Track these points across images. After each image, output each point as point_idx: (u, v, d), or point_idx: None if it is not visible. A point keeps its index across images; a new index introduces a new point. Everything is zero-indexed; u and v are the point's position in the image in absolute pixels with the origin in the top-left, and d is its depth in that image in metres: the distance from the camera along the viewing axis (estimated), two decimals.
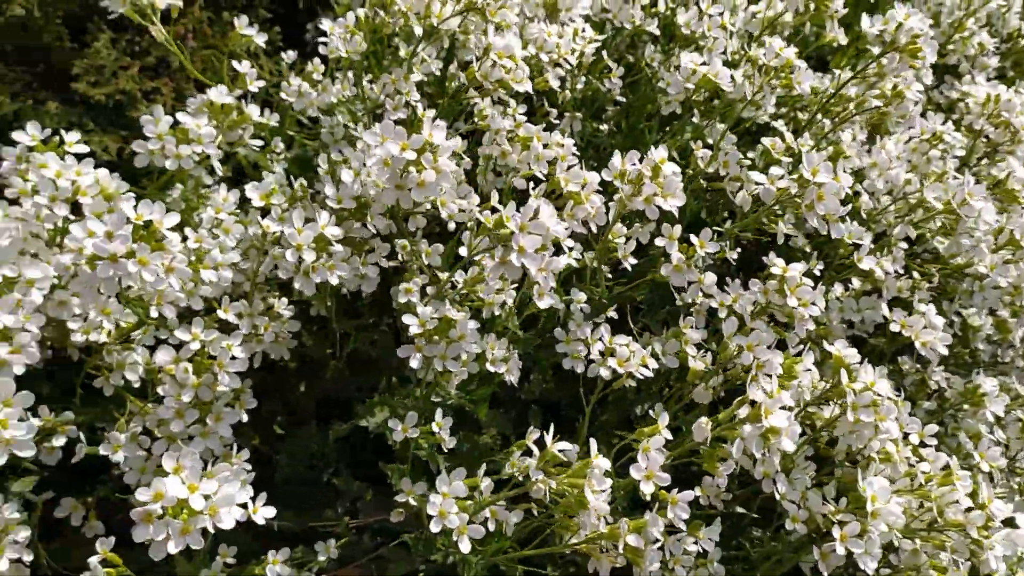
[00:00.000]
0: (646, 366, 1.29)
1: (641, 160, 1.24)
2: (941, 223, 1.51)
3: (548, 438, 1.15)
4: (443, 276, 1.28)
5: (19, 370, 1.12)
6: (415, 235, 1.38)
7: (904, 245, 1.60)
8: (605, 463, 1.11)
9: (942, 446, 1.61)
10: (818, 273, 1.60)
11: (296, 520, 1.54)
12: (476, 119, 1.44)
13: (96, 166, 1.32)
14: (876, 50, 1.48)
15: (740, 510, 1.43)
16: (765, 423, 1.11)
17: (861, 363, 1.33)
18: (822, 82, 1.77)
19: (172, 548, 0.96)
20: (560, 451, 1.14)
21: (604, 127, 1.86)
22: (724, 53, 1.59)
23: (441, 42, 1.56)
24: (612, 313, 1.56)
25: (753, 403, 1.14)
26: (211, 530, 0.99)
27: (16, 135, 1.32)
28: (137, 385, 1.29)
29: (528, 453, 1.20)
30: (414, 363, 1.20)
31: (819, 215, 1.23)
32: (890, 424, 1.25)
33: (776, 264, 1.33)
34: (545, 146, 1.37)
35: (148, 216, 1.11)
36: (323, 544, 1.38)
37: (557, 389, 1.61)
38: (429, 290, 1.29)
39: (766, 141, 1.43)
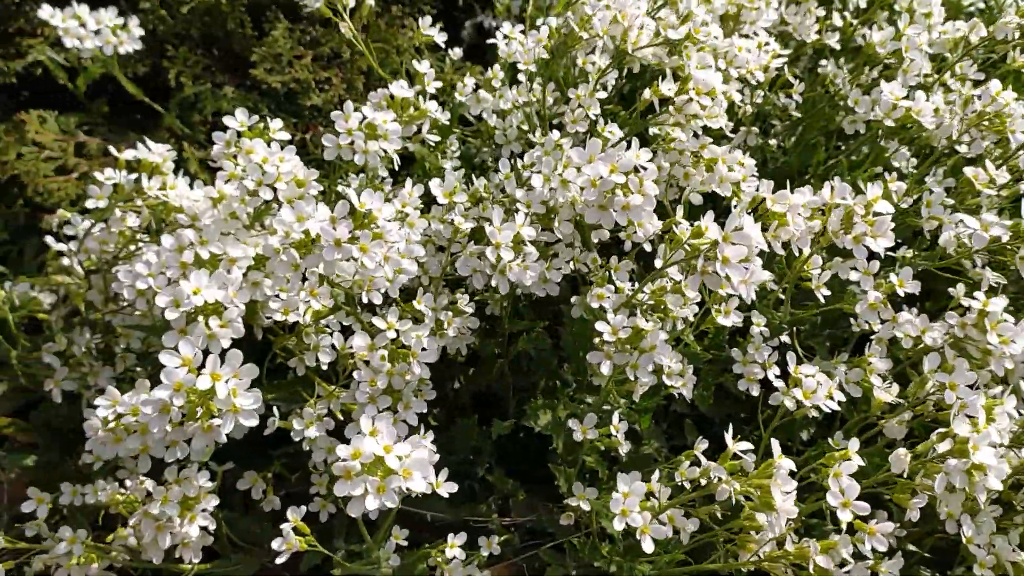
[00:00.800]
0: (832, 398, 1.25)
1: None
2: None
3: (728, 441, 1.14)
4: (625, 286, 1.28)
5: (226, 343, 1.16)
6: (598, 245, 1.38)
7: None
8: (789, 463, 1.09)
9: None
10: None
11: (449, 511, 1.57)
12: (661, 140, 1.43)
13: None
14: None
15: (912, 548, 1.39)
16: (973, 459, 1.08)
17: None
18: None
19: (371, 504, 0.99)
20: (741, 451, 1.13)
21: (773, 142, 1.83)
22: (918, 75, 1.54)
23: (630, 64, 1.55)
24: (785, 337, 1.54)
25: (955, 438, 1.10)
26: (404, 491, 1.02)
27: (226, 120, 1.37)
28: (325, 368, 1.33)
29: (696, 463, 1.19)
30: (604, 369, 1.20)
31: None
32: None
33: (975, 298, 1.28)
34: (730, 168, 1.36)
35: (370, 206, 1.14)
36: (485, 539, 1.39)
37: (715, 406, 1.59)
38: (615, 299, 1.29)
39: (968, 171, 1.38)
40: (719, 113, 1.31)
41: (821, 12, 1.78)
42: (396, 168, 1.57)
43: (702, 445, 1.23)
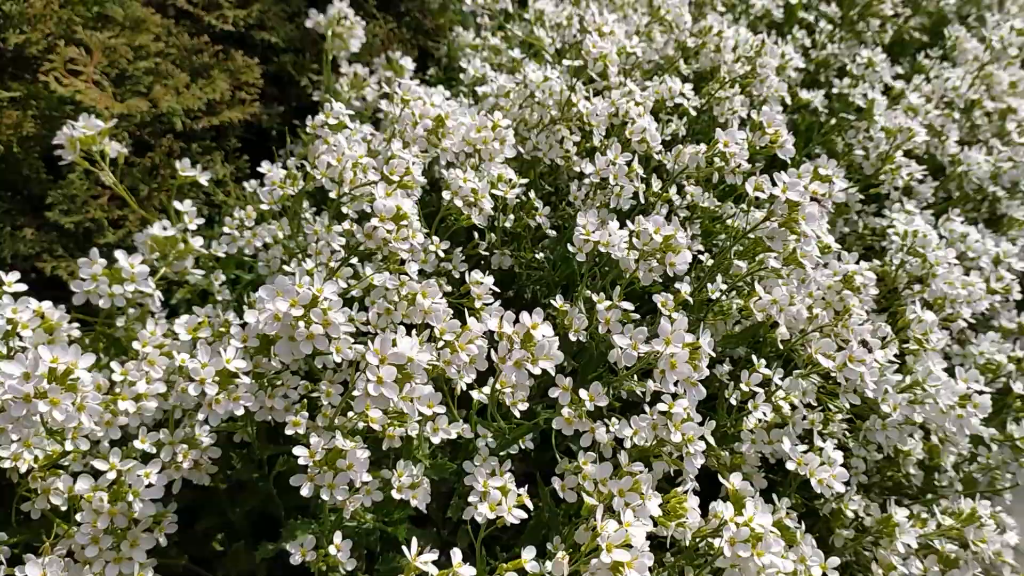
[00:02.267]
0: (523, 506, 1.33)
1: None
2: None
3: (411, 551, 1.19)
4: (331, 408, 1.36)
5: None
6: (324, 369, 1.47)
7: (816, 379, 1.66)
8: (469, 571, 1.16)
9: (869, 574, 1.64)
10: (734, 403, 1.67)
11: None
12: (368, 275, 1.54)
13: (62, 290, 1.45)
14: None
15: None
16: (608, 558, 1.14)
17: (756, 495, 1.38)
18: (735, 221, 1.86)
19: None
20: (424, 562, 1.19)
21: (541, 255, 1.95)
22: (635, 197, 1.69)
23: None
24: (528, 443, 1.63)
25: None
26: None
27: None
28: (64, 509, 1.37)
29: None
30: (305, 491, 1.27)
31: (675, 379, 1.29)
32: (772, 558, 1.28)
33: (664, 400, 1.39)
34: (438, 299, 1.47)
35: (64, 359, 1.21)
36: None
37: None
38: (321, 421, 1.37)
39: (658, 299, 1.51)
40: (405, 236, 1.40)
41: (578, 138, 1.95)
42: (158, 302, 1.65)
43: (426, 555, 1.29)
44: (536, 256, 1.93)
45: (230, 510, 1.72)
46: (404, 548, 1.22)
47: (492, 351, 1.30)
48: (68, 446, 1.31)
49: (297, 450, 1.29)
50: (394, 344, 1.17)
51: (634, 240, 1.48)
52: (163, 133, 2.14)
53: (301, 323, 1.20)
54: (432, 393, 1.30)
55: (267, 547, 1.58)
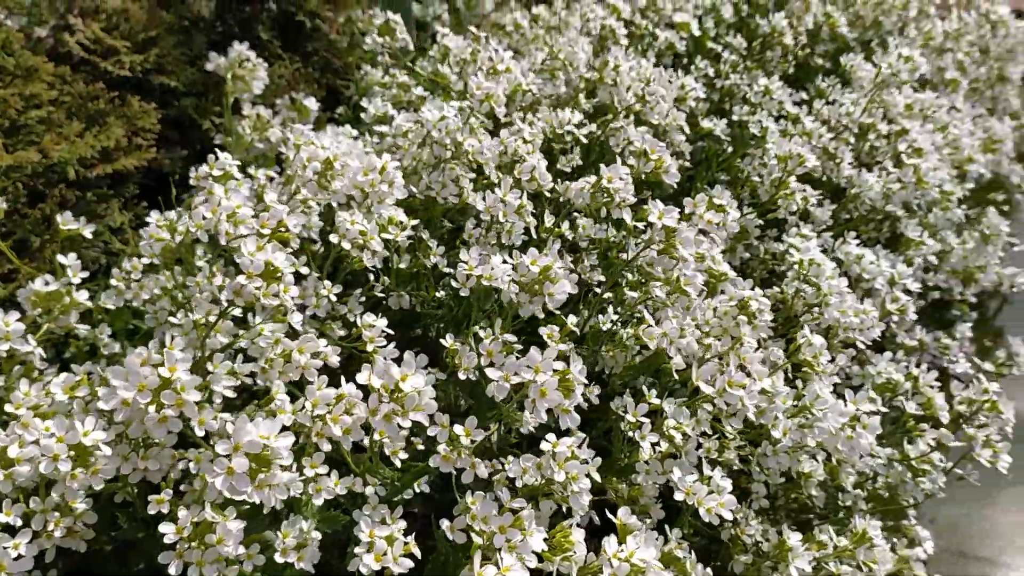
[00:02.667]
0: (410, 555, 1.31)
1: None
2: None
3: None
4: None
5: None
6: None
7: (709, 407, 1.67)
8: None
9: None
10: (632, 435, 1.67)
11: None
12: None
13: None
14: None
15: None
16: None
17: (646, 527, 1.39)
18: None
19: None
20: None
21: (441, 293, 1.95)
22: (526, 232, 1.70)
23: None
24: (424, 487, 1.61)
25: None
26: None
27: None
28: None
29: None
30: (172, 570, 1.23)
31: (546, 407, 1.29)
32: None
33: (548, 440, 1.39)
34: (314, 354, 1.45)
35: None
36: None
37: None
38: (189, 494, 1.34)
39: (544, 331, 1.52)
40: (276, 292, 1.38)
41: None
42: (39, 359, 1.60)
43: None
44: (437, 295, 1.92)
45: (119, 571, 1.66)
46: None
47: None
48: None
49: (163, 527, 1.24)
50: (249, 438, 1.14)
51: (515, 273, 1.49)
52: (56, 183, 2.10)
53: (151, 408, 1.17)
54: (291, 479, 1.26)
55: None
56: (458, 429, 1.36)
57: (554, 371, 1.28)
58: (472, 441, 1.36)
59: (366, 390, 1.28)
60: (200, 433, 1.23)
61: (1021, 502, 2.46)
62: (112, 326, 1.84)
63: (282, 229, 1.44)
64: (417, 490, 1.57)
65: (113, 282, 1.74)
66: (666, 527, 1.58)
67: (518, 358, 1.42)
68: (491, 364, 1.46)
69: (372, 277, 1.82)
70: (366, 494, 1.49)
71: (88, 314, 1.75)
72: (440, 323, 1.99)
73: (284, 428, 1.20)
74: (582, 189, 1.64)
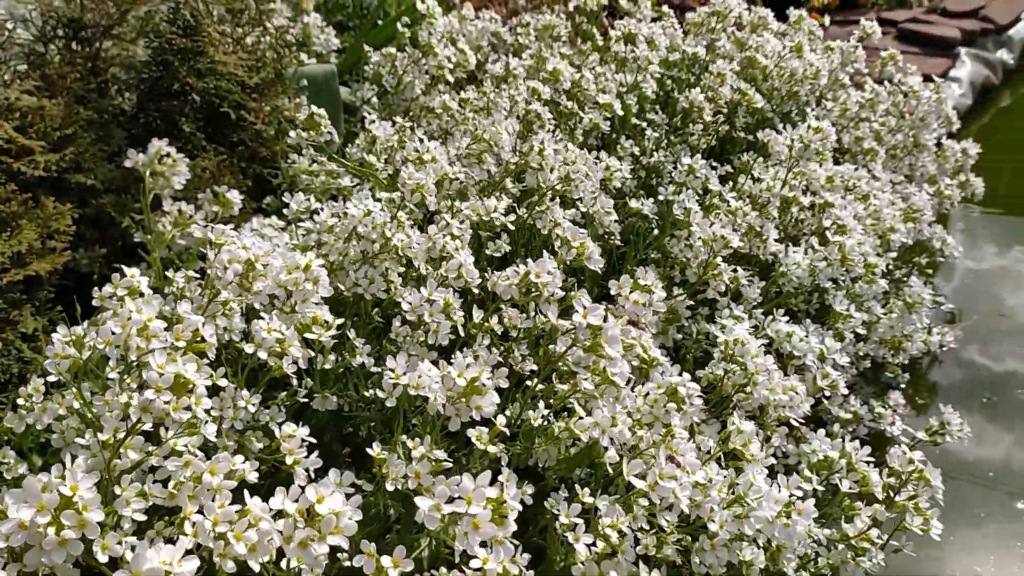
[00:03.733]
0: None
1: None
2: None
3: None
4: None
5: None
6: None
7: (644, 501, 1.64)
8: None
9: None
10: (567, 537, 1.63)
11: None
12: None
13: None
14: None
15: None
16: None
17: None
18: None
19: None
20: None
21: (369, 392, 1.90)
22: (453, 331, 1.68)
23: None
24: None
25: None
26: None
27: None
28: None
29: None
30: None
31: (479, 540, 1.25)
32: None
33: (477, 556, 1.34)
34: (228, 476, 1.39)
35: None
36: None
37: None
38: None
39: (472, 433, 1.48)
40: (198, 400, 1.32)
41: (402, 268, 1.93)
42: None
43: None
44: (365, 394, 1.87)
45: None
46: None
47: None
48: None
49: None
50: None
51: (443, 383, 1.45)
52: None
53: (51, 530, 1.10)
54: None
55: None
56: (386, 561, 1.30)
57: (488, 499, 1.24)
58: (402, 573, 1.30)
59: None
60: (103, 559, 1.15)
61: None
62: (20, 444, 1.75)
63: (198, 339, 1.39)
64: None
65: (20, 401, 1.66)
66: None
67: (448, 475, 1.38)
68: (418, 490, 1.42)
69: (296, 380, 1.77)
70: None
71: None
72: (370, 423, 1.94)
73: (188, 552, 1.13)
74: (510, 285, 1.62)
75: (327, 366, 1.78)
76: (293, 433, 1.55)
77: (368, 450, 1.70)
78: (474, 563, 1.35)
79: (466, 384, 1.41)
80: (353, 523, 1.23)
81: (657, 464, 1.46)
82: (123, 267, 1.65)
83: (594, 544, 1.55)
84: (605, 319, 1.49)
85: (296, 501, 1.19)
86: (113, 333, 1.43)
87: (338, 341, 1.81)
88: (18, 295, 2.11)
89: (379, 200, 2.12)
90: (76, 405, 1.61)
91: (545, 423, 1.68)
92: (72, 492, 1.12)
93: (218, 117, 2.67)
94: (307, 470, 1.55)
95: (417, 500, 1.28)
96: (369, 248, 1.92)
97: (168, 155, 2.30)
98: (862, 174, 2.78)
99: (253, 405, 1.62)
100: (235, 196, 2.36)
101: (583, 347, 1.49)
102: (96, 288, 1.92)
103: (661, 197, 2.48)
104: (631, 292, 1.67)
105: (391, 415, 1.91)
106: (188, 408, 1.31)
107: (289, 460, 1.53)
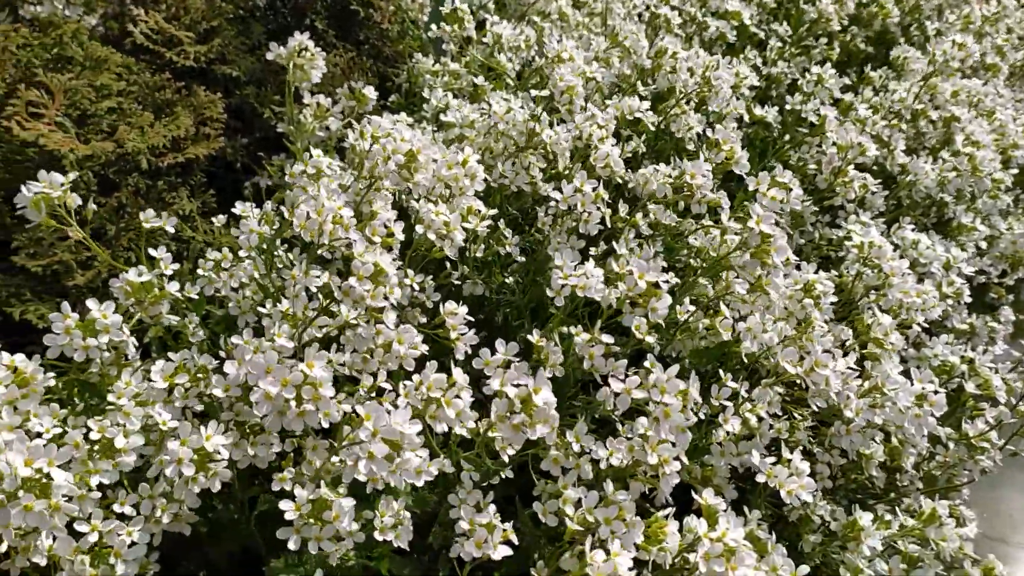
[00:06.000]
0: (508, 542, 1.37)
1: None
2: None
3: None
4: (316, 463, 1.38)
5: None
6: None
7: (781, 389, 1.72)
8: None
9: None
10: (703, 416, 1.73)
11: None
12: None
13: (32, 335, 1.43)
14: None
15: None
16: None
17: (728, 508, 1.44)
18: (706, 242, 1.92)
19: None
20: None
21: (511, 279, 2.00)
22: (602, 222, 1.74)
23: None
24: (508, 472, 1.66)
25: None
26: None
27: None
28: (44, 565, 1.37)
29: None
30: (292, 545, 1.29)
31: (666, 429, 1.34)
32: (746, 571, 1.33)
33: (640, 423, 1.44)
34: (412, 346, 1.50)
35: (37, 464, 1.19)
36: None
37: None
38: (307, 469, 1.39)
39: (631, 321, 1.55)
40: (391, 289, 1.43)
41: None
42: (132, 350, 1.65)
43: None
44: (506, 281, 1.97)
45: (211, 551, 1.73)
46: None
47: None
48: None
49: (283, 504, 1.30)
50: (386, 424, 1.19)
51: (613, 278, 1.52)
52: (129, 172, 2.14)
53: (292, 402, 1.22)
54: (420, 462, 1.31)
55: None
56: (569, 435, 1.41)
57: (678, 392, 1.33)
58: (582, 446, 1.41)
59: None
60: (325, 424, 1.28)
61: None
62: (195, 312, 1.89)
63: (389, 234, 1.49)
64: (502, 475, 1.62)
65: (201, 272, 1.79)
66: (744, 508, 1.63)
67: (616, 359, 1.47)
68: (593, 367, 1.50)
69: (449, 265, 1.87)
70: (461, 479, 1.53)
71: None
72: (507, 308, 2.04)
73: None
74: (663, 183, 1.67)
75: (478, 254, 1.87)
76: (455, 311, 1.66)
77: (508, 329, 1.80)
78: (638, 428, 1.46)
79: (646, 287, 1.48)
80: (556, 414, 1.32)
81: (813, 352, 1.52)
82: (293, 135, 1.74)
83: (733, 427, 1.65)
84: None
85: (516, 387, 1.29)
86: (309, 217, 1.54)
87: (487, 231, 1.90)
88: (175, 178, 2.24)
89: (516, 97, 2.17)
90: (257, 276, 1.73)
91: (690, 318, 1.75)
92: (309, 369, 1.24)
93: (346, 15, 2.72)
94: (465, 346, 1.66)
95: (612, 383, 1.37)
96: (512, 144, 1.99)
97: (307, 49, 2.38)
98: (988, 90, 2.72)
99: (416, 284, 1.72)
100: (370, 92, 2.43)
101: (752, 252, 1.55)
102: (240, 176, 2.02)
103: (788, 106, 2.48)
104: (769, 188, 1.71)
105: (526, 303, 2.01)
106: (385, 296, 1.42)
107: (453, 335, 1.64)
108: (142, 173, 2.15)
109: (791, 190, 1.74)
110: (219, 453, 1.33)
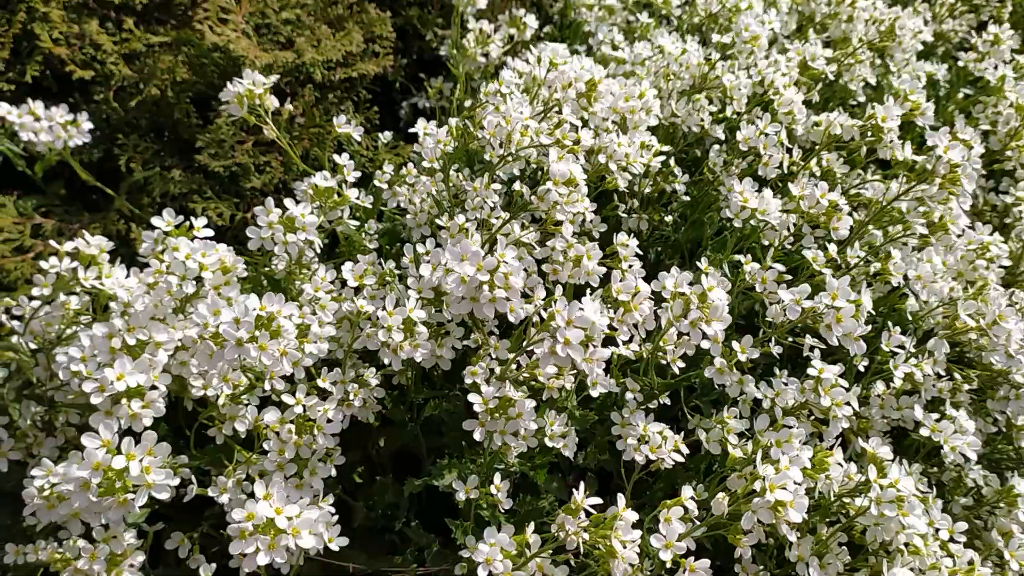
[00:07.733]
0: (679, 451, 1.42)
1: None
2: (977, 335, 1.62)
3: (579, 495, 1.27)
4: (507, 358, 1.44)
5: (148, 421, 1.32)
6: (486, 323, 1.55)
7: (947, 348, 1.70)
8: (632, 515, 1.22)
9: (978, 541, 1.70)
10: (863, 369, 1.73)
11: (368, 563, 1.72)
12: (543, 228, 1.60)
13: (213, 231, 1.54)
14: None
15: None
16: (771, 497, 1.23)
17: (898, 459, 1.45)
18: (877, 188, 1.89)
19: (261, 560, 1.16)
20: (591, 506, 1.27)
21: (669, 218, 2.01)
22: (780, 167, 1.74)
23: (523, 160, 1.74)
24: (665, 399, 1.70)
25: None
26: (293, 548, 1.19)
27: (155, 220, 1.53)
28: (244, 436, 1.49)
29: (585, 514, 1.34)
30: (477, 436, 1.37)
31: (838, 335, 1.35)
32: (914, 520, 1.35)
33: (814, 366, 1.46)
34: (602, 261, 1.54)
35: (270, 308, 1.30)
36: None
37: (613, 460, 1.75)
38: (496, 370, 1.46)
39: (807, 254, 1.56)
40: (578, 199, 1.47)
41: (714, 108, 1.99)
42: (319, 249, 1.74)
43: (591, 500, 1.38)
44: (665, 219, 1.98)
45: (373, 446, 1.83)
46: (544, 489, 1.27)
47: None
48: (266, 386, 1.41)
49: (472, 397, 1.38)
50: (581, 312, 1.24)
51: (799, 204, 1.53)
52: (302, 83, 2.21)
53: (485, 287, 1.28)
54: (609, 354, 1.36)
55: (413, 482, 1.69)
56: (735, 345, 1.44)
57: (848, 300, 1.34)
58: (748, 359, 1.43)
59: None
60: (512, 319, 1.34)
61: None
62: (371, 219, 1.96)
63: (575, 142, 1.52)
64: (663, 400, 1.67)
65: (377, 183, 1.86)
66: (904, 463, 1.64)
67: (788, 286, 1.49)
68: (765, 291, 1.53)
69: (616, 198, 1.89)
70: (625, 399, 1.59)
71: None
72: (661, 246, 2.06)
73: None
74: (851, 126, 1.65)
75: (647, 190, 1.89)
76: (626, 243, 1.69)
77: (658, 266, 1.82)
78: (810, 371, 1.47)
79: (828, 205, 1.49)
80: (729, 316, 1.36)
81: (996, 305, 1.51)
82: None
83: (899, 378, 1.64)
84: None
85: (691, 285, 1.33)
86: (499, 125, 1.58)
87: (657, 168, 1.91)
88: (342, 92, 2.31)
89: (682, 40, 2.15)
90: (437, 190, 1.79)
91: (862, 261, 1.74)
92: (501, 258, 1.29)
93: None
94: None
95: (781, 293, 1.39)
96: (681, 85, 1.98)
97: None
98: None
99: (591, 213, 1.75)
100: (531, 20, 2.44)
101: (940, 181, 1.53)
102: (399, 95, 2.05)
103: (960, 63, 2.39)
104: (948, 143, 1.67)
105: (682, 241, 2.02)
106: (577, 202, 1.45)
107: (624, 265, 1.67)
108: (315, 85, 2.22)
109: (972, 147, 1.70)
110: (419, 325, 1.43)
